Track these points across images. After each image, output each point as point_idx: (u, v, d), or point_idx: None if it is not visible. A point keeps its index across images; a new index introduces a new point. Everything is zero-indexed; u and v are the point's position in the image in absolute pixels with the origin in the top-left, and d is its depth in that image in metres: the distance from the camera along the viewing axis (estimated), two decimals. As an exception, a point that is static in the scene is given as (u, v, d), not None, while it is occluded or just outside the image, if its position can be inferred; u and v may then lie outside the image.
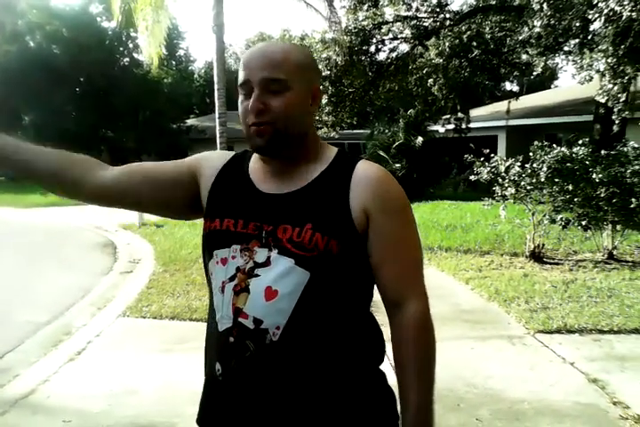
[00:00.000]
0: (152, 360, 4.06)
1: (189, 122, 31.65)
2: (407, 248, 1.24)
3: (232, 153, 1.41)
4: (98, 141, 27.79)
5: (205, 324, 1.30)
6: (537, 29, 7.57)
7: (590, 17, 6.69)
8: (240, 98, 1.22)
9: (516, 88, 36.07)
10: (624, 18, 6.17)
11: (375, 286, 1.27)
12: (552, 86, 33.97)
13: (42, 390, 3.54)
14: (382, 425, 1.23)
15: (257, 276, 1.17)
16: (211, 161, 1.38)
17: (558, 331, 4.54)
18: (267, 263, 1.17)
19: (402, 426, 1.19)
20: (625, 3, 6.05)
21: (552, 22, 7.28)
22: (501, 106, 20.26)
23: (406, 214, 1.25)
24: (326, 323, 1.18)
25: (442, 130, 17.73)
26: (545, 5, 7.09)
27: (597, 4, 6.38)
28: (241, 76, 1.20)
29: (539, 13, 7.27)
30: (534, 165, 6.91)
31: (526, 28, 8.00)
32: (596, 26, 7.27)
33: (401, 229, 1.23)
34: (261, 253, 1.18)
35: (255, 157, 1.33)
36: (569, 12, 6.99)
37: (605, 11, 6.27)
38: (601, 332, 4.51)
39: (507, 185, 7.12)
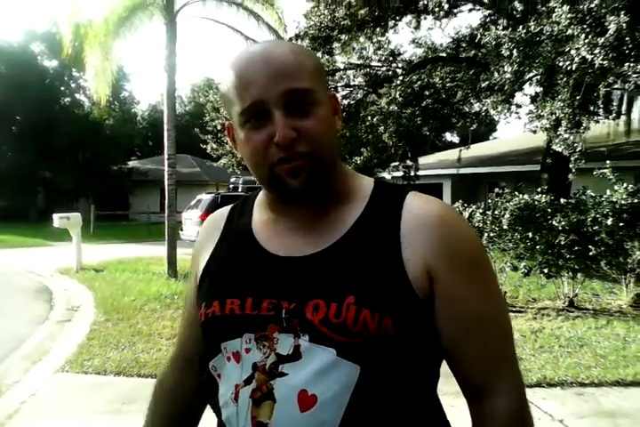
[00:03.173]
0: (97, 424, 3.55)
1: (131, 164, 31.28)
2: (492, 318, 0.91)
3: (222, 219, 1.05)
4: (35, 183, 26.76)
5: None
6: (507, 75, 7.66)
7: (561, 64, 6.81)
8: (244, 131, 0.86)
9: (456, 139, 37.63)
10: (596, 66, 6.29)
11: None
12: (490, 137, 35.55)
13: (-36, 464, 2.99)
14: None
15: (283, 375, 0.82)
16: (199, 245, 1.05)
17: (539, 384, 4.32)
18: (296, 356, 0.82)
19: None
20: (596, 51, 6.17)
21: (521, 69, 7.39)
22: (445, 155, 21.10)
23: (485, 270, 0.92)
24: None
25: (388, 177, 17.86)
26: (515, 51, 7.18)
27: (569, 51, 6.51)
28: (243, 99, 0.84)
29: (507, 60, 7.36)
30: (496, 212, 6.85)
31: (496, 74, 8.08)
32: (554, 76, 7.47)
33: (481, 292, 0.89)
34: (285, 342, 0.83)
35: (260, 208, 0.99)
36: (536, 60, 7.11)
37: (576, 59, 6.38)
38: (582, 385, 4.30)
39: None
